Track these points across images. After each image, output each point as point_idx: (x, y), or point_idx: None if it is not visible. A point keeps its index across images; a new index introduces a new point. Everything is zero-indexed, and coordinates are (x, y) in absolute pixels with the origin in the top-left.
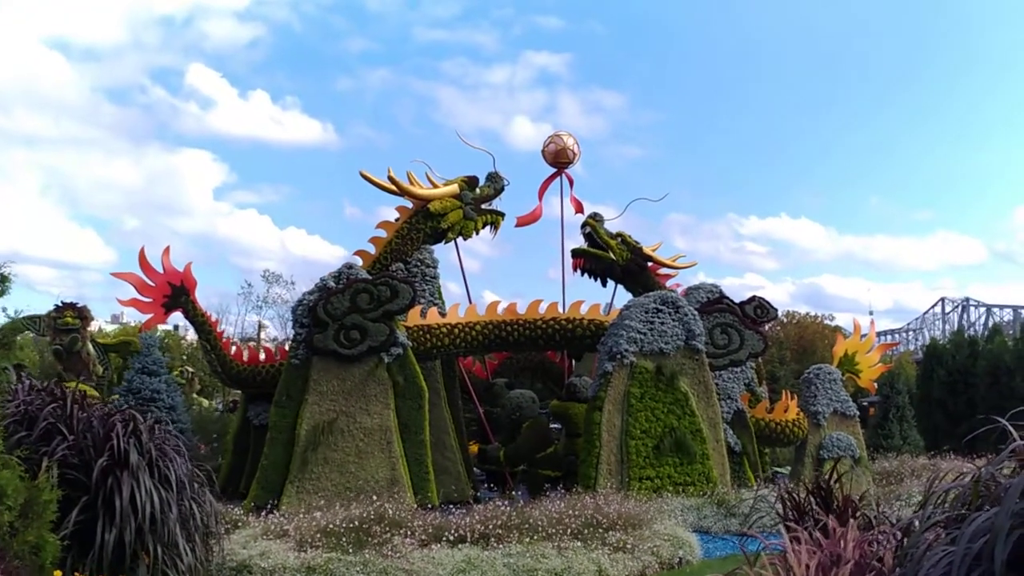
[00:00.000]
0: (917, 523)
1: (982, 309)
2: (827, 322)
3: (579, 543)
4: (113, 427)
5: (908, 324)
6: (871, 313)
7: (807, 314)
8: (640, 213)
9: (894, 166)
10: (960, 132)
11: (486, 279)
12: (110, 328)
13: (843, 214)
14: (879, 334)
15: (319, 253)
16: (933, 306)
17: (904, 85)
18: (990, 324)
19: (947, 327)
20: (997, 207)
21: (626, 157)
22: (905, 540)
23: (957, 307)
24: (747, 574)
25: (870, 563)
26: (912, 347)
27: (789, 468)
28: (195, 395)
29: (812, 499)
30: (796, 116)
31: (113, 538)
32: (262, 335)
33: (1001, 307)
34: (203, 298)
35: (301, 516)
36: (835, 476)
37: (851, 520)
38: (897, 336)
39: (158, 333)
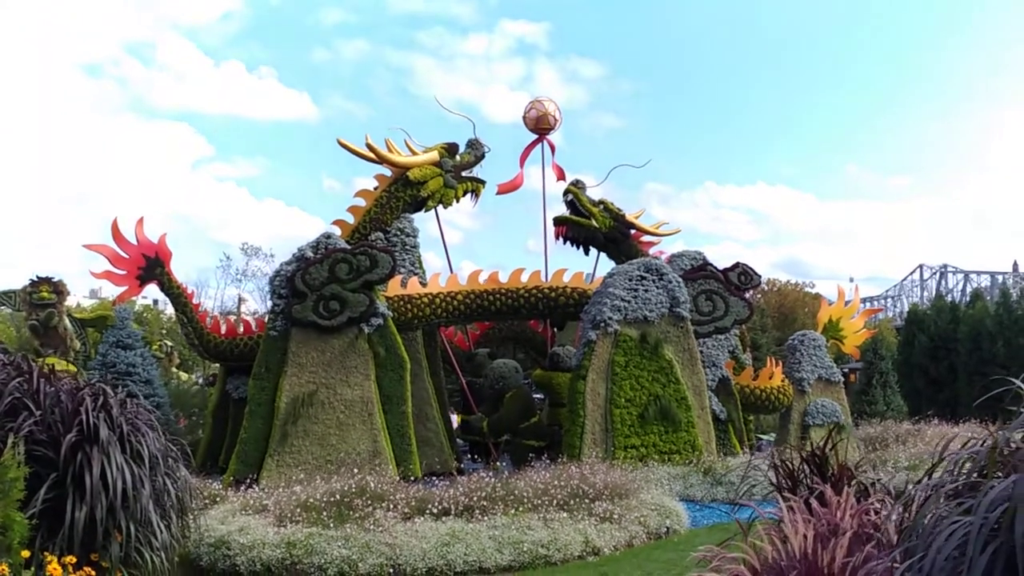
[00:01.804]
0: (921, 493)
1: (960, 275)
2: (807, 289)
3: (565, 514)
4: (82, 401)
5: (887, 291)
6: (852, 280)
7: (787, 282)
8: (619, 183)
9: (870, 133)
10: (937, 99)
11: (465, 250)
12: (88, 303)
13: (820, 182)
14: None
15: (298, 225)
16: (911, 273)
17: (878, 53)
18: (968, 290)
19: (925, 294)
20: (974, 174)
21: (605, 126)
22: (908, 511)
23: (935, 273)
24: (740, 546)
25: (870, 533)
26: (891, 314)
27: (773, 435)
28: (174, 369)
29: (806, 467)
30: (771, 84)
31: (84, 516)
32: (242, 308)
33: (979, 273)
34: (182, 272)
35: (281, 490)
36: (829, 443)
37: (847, 488)
38: (876, 303)
39: (136, 307)
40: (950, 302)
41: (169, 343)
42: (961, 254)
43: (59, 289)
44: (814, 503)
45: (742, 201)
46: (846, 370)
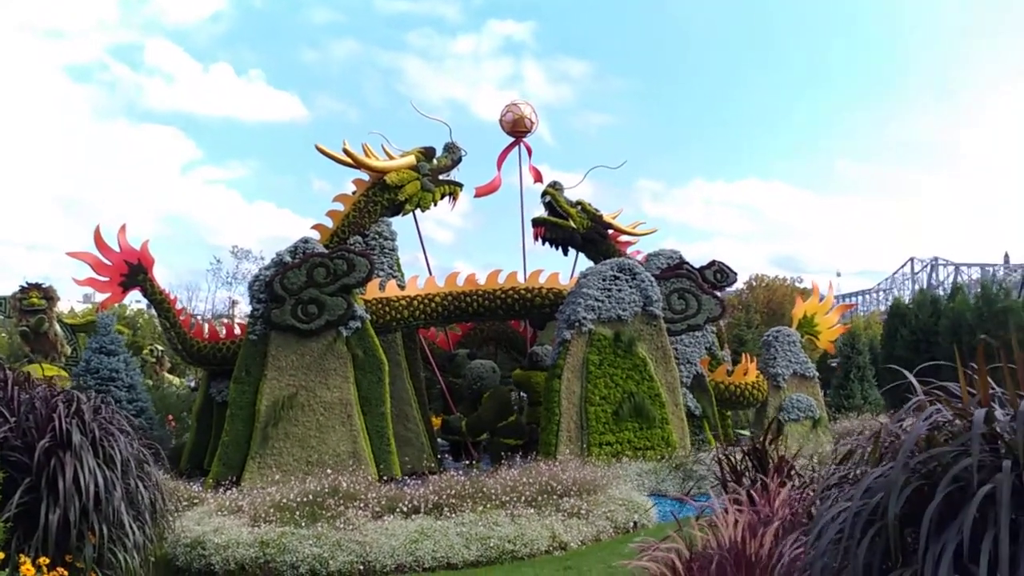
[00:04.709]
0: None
1: (951, 268)
2: (797, 285)
3: (532, 510)
4: (55, 408)
5: (878, 284)
6: (839, 274)
7: (776, 277)
8: (610, 180)
9: (859, 128)
10: (926, 93)
11: (459, 250)
12: (81, 307)
13: (812, 177)
14: (850, 295)
15: (289, 227)
16: (903, 266)
17: (866, 48)
18: (959, 282)
19: (916, 287)
20: (964, 167)
21: (594, 124)
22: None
23: (926, 266)
24: (675, 539)
25: (799, 520)
26: (882, 307)
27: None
28: (166, 374)
29: (748, 460)
30: (759, 80)
31: (58, 519)
32: (235, 311)
33: (969, 265)
34: (175, 276)
35: (256, 492)
36: (770, 437)
37: (786, 480)
38: (868, 296)
39: (128, 312)
40: (931, 295)
41: (160, 348)
42: (952, 247)
43: (49, 295)
44: (754, 494)
45: (734, 197)
46: (834, 364)
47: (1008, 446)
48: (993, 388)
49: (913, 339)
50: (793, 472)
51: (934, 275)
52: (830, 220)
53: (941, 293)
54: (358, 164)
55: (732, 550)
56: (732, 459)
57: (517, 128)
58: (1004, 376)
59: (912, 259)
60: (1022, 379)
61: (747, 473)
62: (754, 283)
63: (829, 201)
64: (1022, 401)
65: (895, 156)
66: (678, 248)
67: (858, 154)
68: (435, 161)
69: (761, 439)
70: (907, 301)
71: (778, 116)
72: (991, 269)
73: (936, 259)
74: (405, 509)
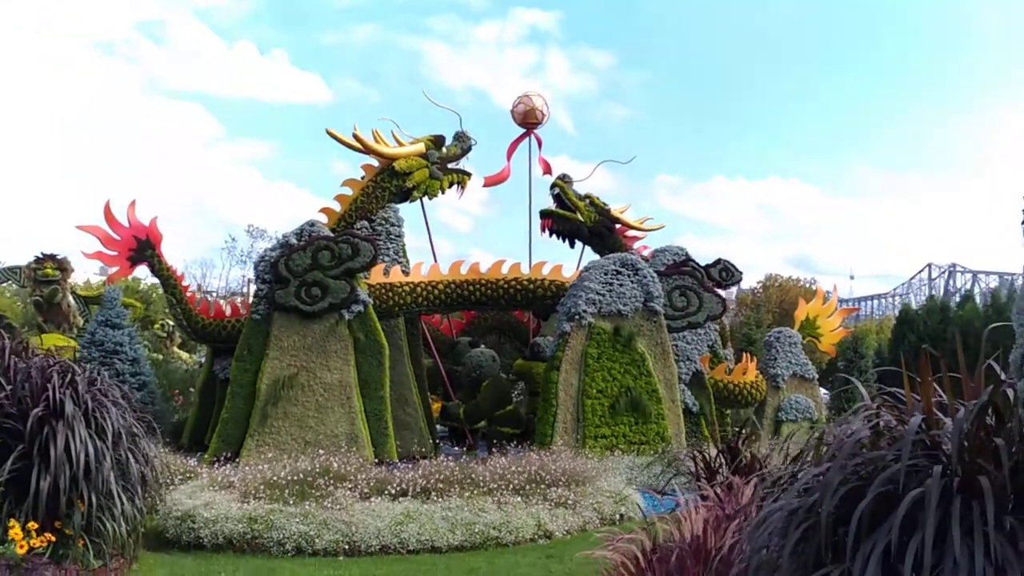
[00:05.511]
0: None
1: (968, 275)
2: (810, 286)
3: (519, 498)
4: (50, 378)
5: (894, 289)
6: (852, 277)
7: (789, 277)
8: (627, 174)
9: (882, 130)
10: (951, 97)
11: (477, 237)
12: (97, 279)
13: (831, 178)
14: (864, 298)
15: (306, 207)
16: (920, 271)
17: (892, 47)
18: (976, 290)
19: (933, 293)
20: (987, 172)
21: (615, 116)
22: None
23: (943, 272)
24: (639, 533)
25: None
26: (897, 312)
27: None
28: (176, 349)
29: (721, 458)
30: (782, 78)
31: (48, 486)
32: (249, 289)
33: (987, 273)
34: (191, 252)
35: (248, 468)
36: (743, 437)
37: (755, 477)
38: (884, 300)
39: (142, 286)
40: (941, 303)
41: (171, 323)
42: (972, 254)
43: (63, 266)
44: (719, 491)
45: (754, 195)
46: (842, 366)
47: (946, 454)
48: (940, 396)
49: (920, 346)
50: (764, 470)
51: (951, 282)
52: (849, 223)
53: (957, 300)
54: (367, 150)
55: (693, 543)
56: (707, 456)
57: (528, 119)
58: (946, 385)
59: (930, 265)
60: (966, 388)
61: (720, 470)
62: (768, 283)
63: (849, 203)
64: (960, 410)
65: (917, 161)
66: (695, 244)
67: (880, 158)
68: (444, 149)
69: (734, 438)
70: (911, 308)
71: (801, 116)
72: (1010, 278)
73: (954, 266)
74: (393, 492)
